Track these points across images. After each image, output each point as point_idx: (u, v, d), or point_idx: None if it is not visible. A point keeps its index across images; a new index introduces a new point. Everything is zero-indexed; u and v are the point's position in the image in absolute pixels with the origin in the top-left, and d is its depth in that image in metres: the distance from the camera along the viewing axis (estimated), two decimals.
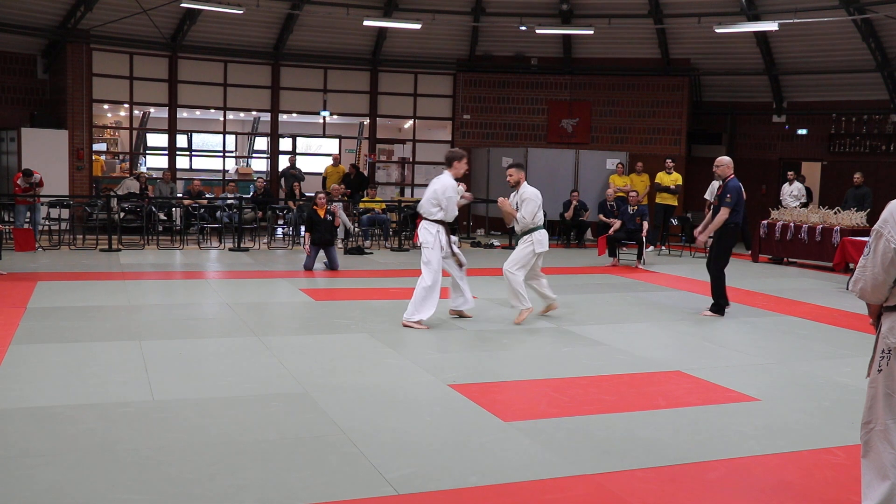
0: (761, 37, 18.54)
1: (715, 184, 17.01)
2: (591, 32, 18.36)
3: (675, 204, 17.41)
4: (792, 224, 14.59)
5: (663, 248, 16.96)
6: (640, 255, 14.07)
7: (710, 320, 9.27)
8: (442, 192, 8.59)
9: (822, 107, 19.13)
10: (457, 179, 8.76)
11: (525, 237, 8.83)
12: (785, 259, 15.06)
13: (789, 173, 17.23)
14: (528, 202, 8.78)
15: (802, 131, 19.51)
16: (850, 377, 6.65)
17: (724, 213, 9.25)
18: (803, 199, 16.75)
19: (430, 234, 8.50)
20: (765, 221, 15.22)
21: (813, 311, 9.95)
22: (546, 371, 6.69)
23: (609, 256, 14.26)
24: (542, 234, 8.84)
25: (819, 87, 19.10)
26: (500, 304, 9.75)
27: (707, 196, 17.18)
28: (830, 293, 11.52)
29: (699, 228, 9.89)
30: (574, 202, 17.44)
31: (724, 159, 9.57)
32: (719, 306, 9.45)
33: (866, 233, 11.65)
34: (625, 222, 14.28)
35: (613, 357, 7.25)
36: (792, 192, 16.76)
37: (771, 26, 16.66)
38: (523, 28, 18.73)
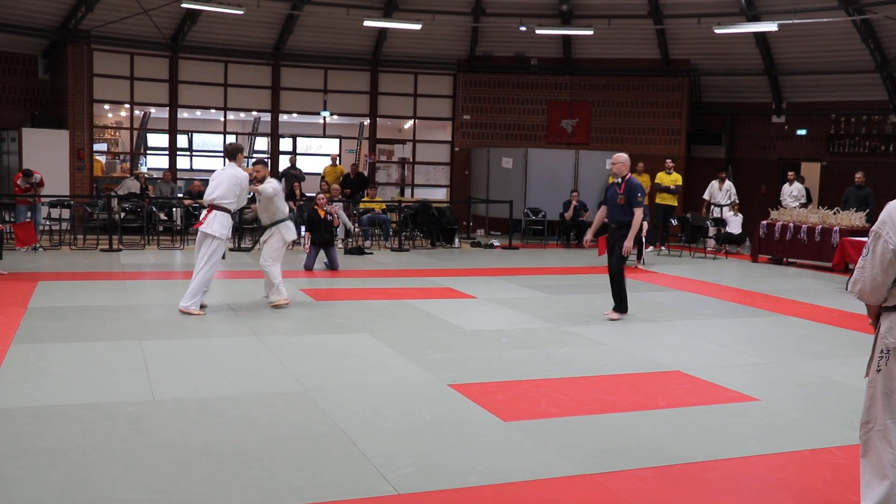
0: (761, 37, 18.56)
1: (714, 183, 17.15)
2: (591, 33, 18.37)
3: (675, 204, 17.42)
4: (791, 224, 14.61)
5: (663, 248, 16.97)
6: (639, 256, 14.08)
7: (708, 319, 9.28)
8: (238, 181, 8.85)
9: (822, 107, 19.15)
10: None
11: (270, 228, 9.29)
12: (784, 259, 15.07)
13: (789, 173, 17.24)
14: (266, 185, 9.19)
15: (802, 132, 19.53)
16: (849, 377, 6.65)
17: (639, 215, 9.02)
18: (803, 200, 16.76)
19: (224, 228, 8.75)
20: (764, 222, 15.24)
21: (812, 312, 9.96)
22: (546, 371, 6.70)
23: None
24: (291, 225, 9.45)
25: (818, 88, 19.11)
26: (500, 304, 9.76)
27: (706, 196, 17.22)
28: (830, 293, 11.53)
29: (588, 235, 9.92)
30: (574, 202, 17.45)
31: (622, 156, 9.23)
32: (624, 304, 9.18)
33: (866, 233, 11.65)
34: None
35: (613, 357, 7.27)
36: (791, 192, 16.77)
37: (770, 27, 16.69)
38: (523, 28, 18.73)
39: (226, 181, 8.79)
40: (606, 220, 9.44)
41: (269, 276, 9.20)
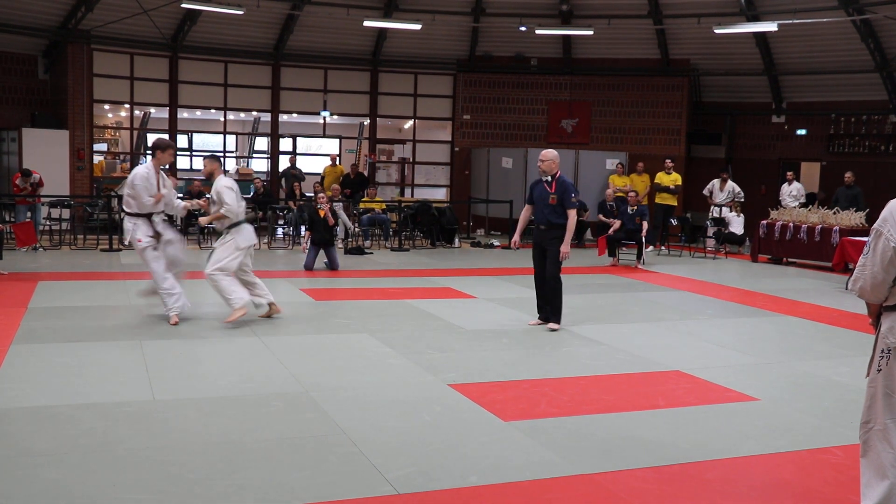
0: (760, 37, 18.55)
1: (715, 182, 17.15)
2: (591, 33, 18.37)
3: (675, 204, 17.43)
4: (791, 224, 14.61)
5: (663, 248, 16.97)
6: (639, 255, 14.08)
7: (708, 319, 9.28)
8: (129, 180, 8.20)
9: (822, 107, 19.15)
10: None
11: (226, 233, 8.40)
12: (784, 259, 15.07)
13: (788, 173, 17.25)
14: (225, 193, 8.29)
15: (802, 131, 19.53)
16: (850, 377, 6.66)
17: (573, 216, 8.47)
18: (802, 200, 16.76)
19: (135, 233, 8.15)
20: (764, 221, 15.23)
21: (812, 311, 9.96)
22: (546, 371, 6.70)
23: (609, 256, 14.27)
24: (248, 228, 8.49)
25: (818, 88, 19.11)
26: (500, 304, 9.76)
27: (705, 192, 17.22)
28: (829, 293, 11.53)
29: (516, 237, 9.11)
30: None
31: (551, 153, 8.64)
32: (559, 314, 8.50)
33: (865, 233, 11.66)
34: (624, 222, 14.29)
35: (613, 357, 7.26)
36: (791, 192, 16.78)
37: (770, 27, 16.69)
38: (523, 28, 18.73)
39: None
40: (533, 219, 8.76)
41: (218, 291, 8.23)
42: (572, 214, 8.46)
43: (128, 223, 8.20)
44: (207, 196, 8.76)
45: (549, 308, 8.54)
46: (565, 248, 8.41)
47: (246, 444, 4.71)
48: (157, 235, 8.21)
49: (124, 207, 8.29)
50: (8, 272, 10.92)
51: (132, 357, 6.66)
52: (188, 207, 8.85)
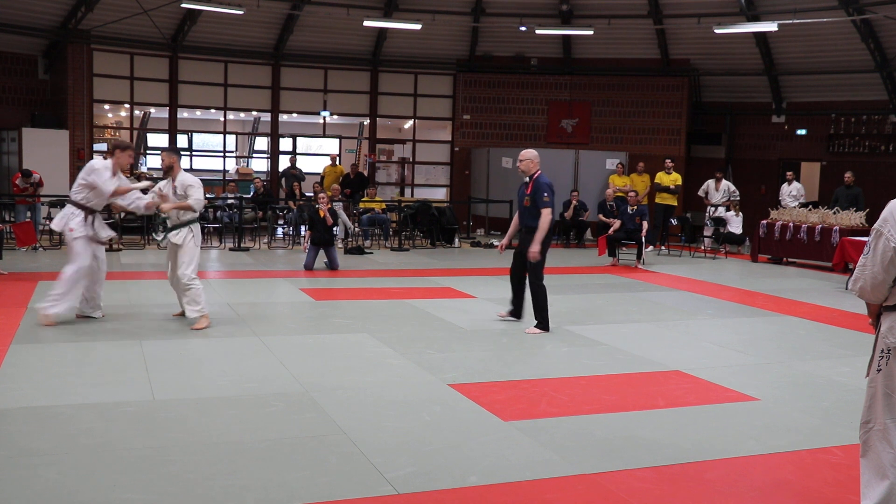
0: (761, 37, 18.56)
1: (710, 182, 17.14)
2: (591, 33, 18.37)
3: (675, 204, 17.43)
4: (791, 224, 14.61)
5: (663, 248, 16.97)
6: (639, 255, 14.08)
7: (708, 319, 9.28)
8: (88, 167, 7.90)
9: (822, 107, 19.15)
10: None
11: (179, 230, 8.06)
12: (784, 259, 15.07)
13: (788, 173, 17.25)
14: (196, 187, 8.04)
15: (802, 131, 19.53)
16: (850, 377, 6.66)
17: (546, 216, 8.14)
18: (802, 199, 16.76)
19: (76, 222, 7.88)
20: (764, 221, 15.24)
21: (812, 311, 9.96)
22: (546, 371, 6.70)
23: (609, 256, 14.27)
24: (198, 226, 8.19)
25: (818, 88, 19.11)
26: (500, 304, 9.75)
27: (700, 194, 17.22)
28: (830, 293, 11.53)
29: (504, 241, 8.85)
30: (574, 202, 17.45)
31: (529, 152, 8.41)
32: (545, 322, 8.27)
33: (865, 233, 11.67)
34: (624, 222, 14.29)
35: (613, 357, 7.26)
36: (791, 192, 16.78)
37: (770, 27, 16.69)
38: (523, 28, 18.74)
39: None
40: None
41: (191, 296, 7.95)
42: (545, 214, 8.14)
43: (67, 209, 7.90)
44: (156, 189, 8.32)
45: (534, 313, 8.33)
46: (535, 247, 8.11)
47: (246, 444, 4.71)
48: (94, 234, 8.00)
49: (72, 196, 7.98)
50: (8, 272, 10.92)
51: (132, 357, 6.66)
52: (153, 203, 8.30)
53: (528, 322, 8.51)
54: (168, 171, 8.20)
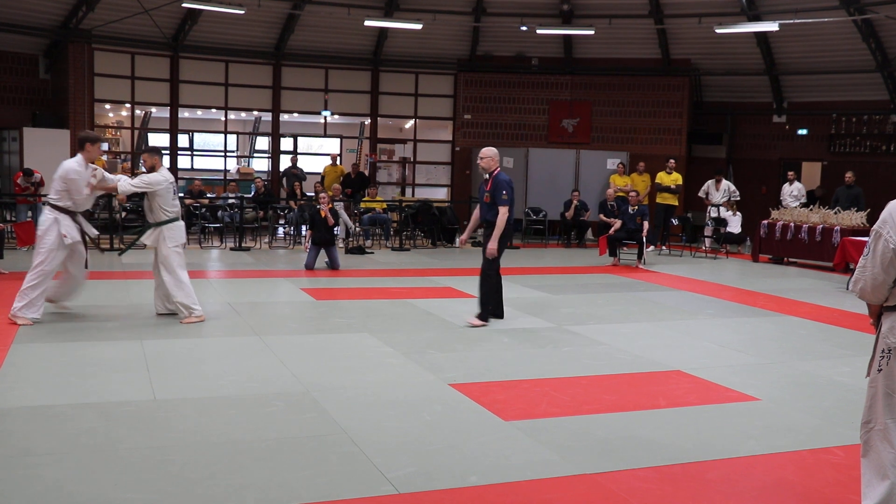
0: (761, 37, 18.56)
1: (711, 182, 17.15)
2: (592, 33, 18.37)
3: (676, 204, 17.44)
4: (792, 224, 14.60)
5: (664, 247, 16.97)
6: (640, 255, 14.08)
7: (709, 318, 9.27)
8: (63, 174, 7.87)
9: (823, 107, 19.15)
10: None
11: (152, 231, 8.09)
12: (785, 259, 15.07)
13: (789, 173, 17.24)
14: (144, 179, 8.05)
15: (803, 131, 19.53)
16: (850, 377, 6.65)
17: (503, 214, 8.28)
18: (803, 200, 16.76)
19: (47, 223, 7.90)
20: (765, 221, 15.24)
21: (813, 311, 9.96)
22: (546, 370, 6.70)
23: (609, 256, 14.27)
24: (176, 226, 8.15)
25: (819, 88, 19.11)
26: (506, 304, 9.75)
27: (701, 194, 17.22)
28: (830, 293, 11.53)
29: (464, 235, 9.06)
30: (575, 202, 17.45)
31: (489, 150, 8.55)
32: (486, 314, 8.46)
33: (866, 233, 11.64)
34: (625, 222, 14.29)
35: (614, 357, 7.26)
36: (792, 192, 16.77)
37: (771, 27, 16.69)
38: (524, 28, 18.74)
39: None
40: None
41: (185, 295, 8.06)
42: (502, 211, 8.28)
43: (48, 214, 7.90)
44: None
45: (478, 300, 8.50)
46: (492, 244, 8.29)
47: (246, 444, 4.71)
48: (82, 234, 8.04)
49: (51, 201, 7.98)
50: (9, 271, 10.93)
51: (133, 356, 6.66)
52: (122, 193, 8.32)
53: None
54: (151, 171, 8.22)
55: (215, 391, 5.79)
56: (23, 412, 5.14)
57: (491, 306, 8.52)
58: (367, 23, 17.88)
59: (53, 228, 7.85)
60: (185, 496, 3.97)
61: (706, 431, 5.22)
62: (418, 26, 17.79)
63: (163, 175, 8.10)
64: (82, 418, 5.06)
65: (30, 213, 14.82)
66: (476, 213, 8.86)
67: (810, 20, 16.90)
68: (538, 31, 18.63)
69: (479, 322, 8.40)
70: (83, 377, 6.02)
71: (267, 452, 4.58)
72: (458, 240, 9.06)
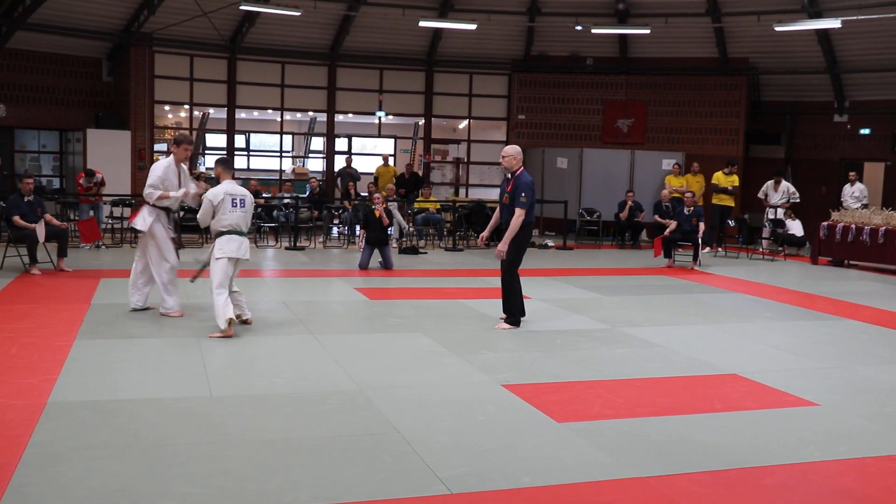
0: (823, 35, 18.17)
1: (769, 184, 16.84)
2: (648, 32, 18.20)
3: (732, 205, 17.16)
4: (853, 226, 14.26)
5: (720, 249, 16.72)
6: (695, 257, 13.88)
7: (766, 321, 9.11)
8: (153, 173, 8.24)
9: (886, 106, 18.67)
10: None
11: (212, 245, 7.92)
12: (846, 262, 14.72)
13: (851, 174, 16.86)
14: (204, 195, 7.96)
15: (865, 131, 19.08)
16: None
17: (519, 216, 8.07)
18: (865, 201, 16.37)
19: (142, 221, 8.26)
20: (825, 223, 14.90)
21: (875, 315, 9.72)
22: (600, 372, 6.66)
23: (664, 258, 14.10)
24: (226, 240, 7.78)
25: (882, 86, 18.64)
26: (555, 305, 9.71)
27: (760, 195, 16.92)
28: (893, 297, 11.24)
29: (485, 233, 9.04)
30: (629, 203, 17.28)
31: (512, 149, 8.34)
32: (515, 318, 8.32)
33: None
34: (680, 223, 14.10)
35: (668, 359, 7.18)
36: (853, 192, 16.40)
37: (833, 24, 16.32)
38: (579, 28, 18.64)
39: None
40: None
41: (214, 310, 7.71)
42: (518, 214, 8.07)
43: (149, 214, 8.26)
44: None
45: (503, 308, 8.42)
46: (502, 246, 8.19)
47: (300, 441, 4.76)
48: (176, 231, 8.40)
49: (148, 200, 8.28)
50: (72, 269, 11.20)
51: (191, 354, 6.78)
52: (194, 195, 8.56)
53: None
54: (216, 181, 8.26)
55: (270, 389, 5.86)
56: (85, 406, 5.27)
57: (515, 310, 8.35)
58: (422, 23, 17.95)
59: (154, 225, 8.29)
60: (239, 491, 4.03)
61: (763, 436, 5.13)
62: (473, 27, 17.80)
63: (223, 188, 7.88)
64: (141, 413, 5.17)
65: (91, 212, 15.17)
66: (496, 214, 8.74)
67: (875, 16, 16.49)
68: (593, 31, 18.51)
69: (507, 326, 8.29)
70: (143, 373, 6.15)
71: (320, 450, 4.62)
72: (480, 238, 8.99)
